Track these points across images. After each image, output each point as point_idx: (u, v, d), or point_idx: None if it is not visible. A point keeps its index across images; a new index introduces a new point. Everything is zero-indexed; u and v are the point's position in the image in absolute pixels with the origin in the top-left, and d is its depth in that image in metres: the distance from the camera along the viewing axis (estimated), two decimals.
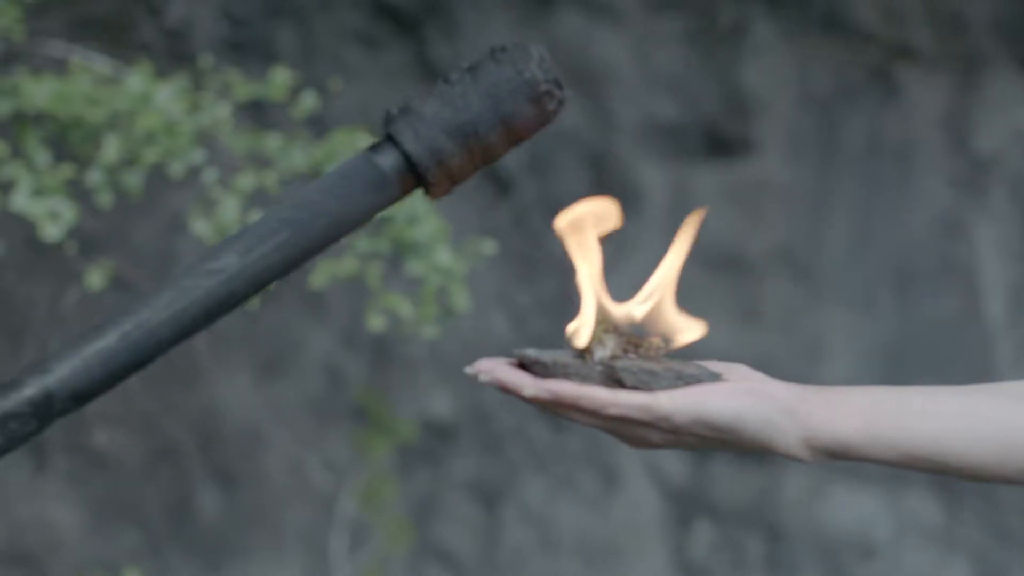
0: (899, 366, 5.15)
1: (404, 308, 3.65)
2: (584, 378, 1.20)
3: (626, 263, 4.71)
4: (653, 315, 1.24)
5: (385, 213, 1.79)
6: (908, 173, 5.20)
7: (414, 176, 1.14)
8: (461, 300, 3.62)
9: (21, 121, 3.46)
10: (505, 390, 1.21)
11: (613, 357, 1.22)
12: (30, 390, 1.03)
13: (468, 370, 1.21)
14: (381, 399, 4.98)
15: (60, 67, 3.64)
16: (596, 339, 1.22)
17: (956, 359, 5.17)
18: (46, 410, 1.02)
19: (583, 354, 1.22)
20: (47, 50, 3.76)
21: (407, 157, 1.13)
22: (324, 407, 5.02)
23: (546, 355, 1.22)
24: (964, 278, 5.23)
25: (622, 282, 1.29)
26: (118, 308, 1.03)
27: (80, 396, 1.02)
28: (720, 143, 5.16)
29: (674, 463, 5.22)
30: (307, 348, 4.99)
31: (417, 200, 3.43)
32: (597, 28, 5.05)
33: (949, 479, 5.13)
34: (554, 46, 4.95)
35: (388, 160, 1.14)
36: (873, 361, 5.16)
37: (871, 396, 1.23)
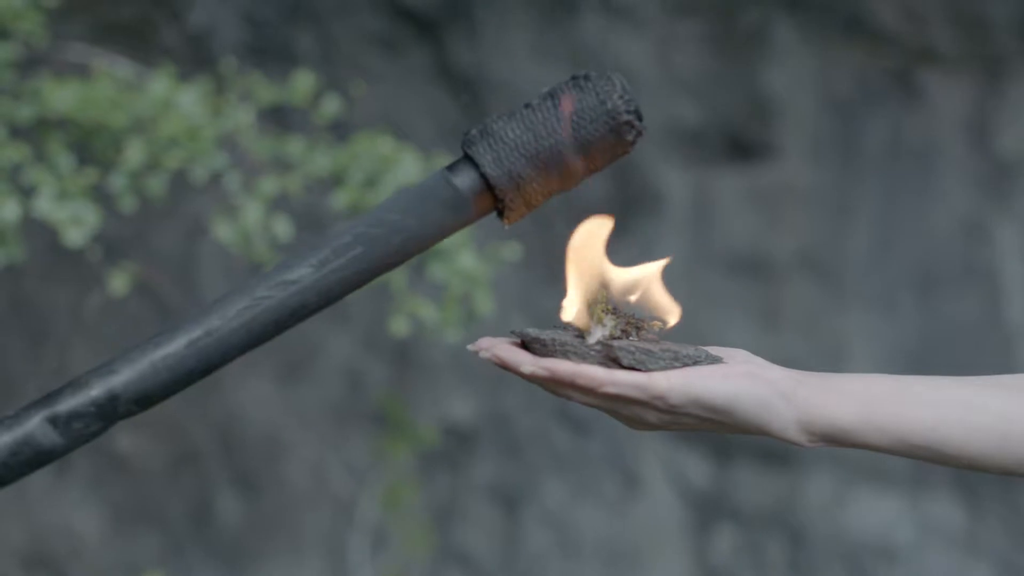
0: (921, 369, 5.13)
1: (427, 313, 3.63)
2: (582, 357, 1.23)
3: None
4: (643, 295, 1.26)
5: None
6: (930, 176, 5.19)
7: (492, 199, 1.14)
8: (485, 305, 3.60)
9: (44, 126, 3.45)
10: (504, 367, 1.24)
11: (612, 337, 1.23)
12: (96, 391, 1.02)
13: (470, 347, 1.24)
14: (402, 403, 4.97)
15: (83, 72, 3.64)
16: (595, 319, 1.23)
17: (978, 362, 5.15)
18: (111, 412, 1.01)
19: (582, 334, 1.24)
20: (70, 55, 3.75)
21: (486, 179, 1.13)
22: (345, 411, 5.01)
23: (546, 334, 1.24)
24: (986, 281, 5.21)
25: None
26: (188, 314, 1.02)
27: (145, 399, 1.01)
28: (742, 146, 5.15)
29: (695, 467, 5.21)
30: (328, 352, 4.98)
31: None
32: (618, 32, 5.04)
33: (972, 482, 5.12)
34: (575, 50, 4.95)
35: (466, 181, 1.14)
36: (895, 364, 5.15)
37: (870, 383, 1.23)
